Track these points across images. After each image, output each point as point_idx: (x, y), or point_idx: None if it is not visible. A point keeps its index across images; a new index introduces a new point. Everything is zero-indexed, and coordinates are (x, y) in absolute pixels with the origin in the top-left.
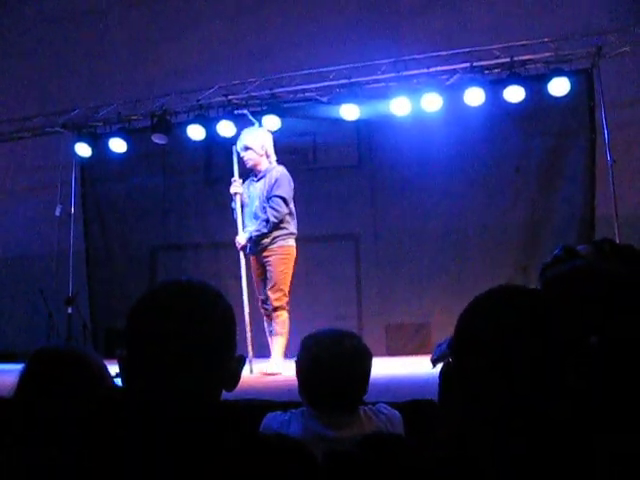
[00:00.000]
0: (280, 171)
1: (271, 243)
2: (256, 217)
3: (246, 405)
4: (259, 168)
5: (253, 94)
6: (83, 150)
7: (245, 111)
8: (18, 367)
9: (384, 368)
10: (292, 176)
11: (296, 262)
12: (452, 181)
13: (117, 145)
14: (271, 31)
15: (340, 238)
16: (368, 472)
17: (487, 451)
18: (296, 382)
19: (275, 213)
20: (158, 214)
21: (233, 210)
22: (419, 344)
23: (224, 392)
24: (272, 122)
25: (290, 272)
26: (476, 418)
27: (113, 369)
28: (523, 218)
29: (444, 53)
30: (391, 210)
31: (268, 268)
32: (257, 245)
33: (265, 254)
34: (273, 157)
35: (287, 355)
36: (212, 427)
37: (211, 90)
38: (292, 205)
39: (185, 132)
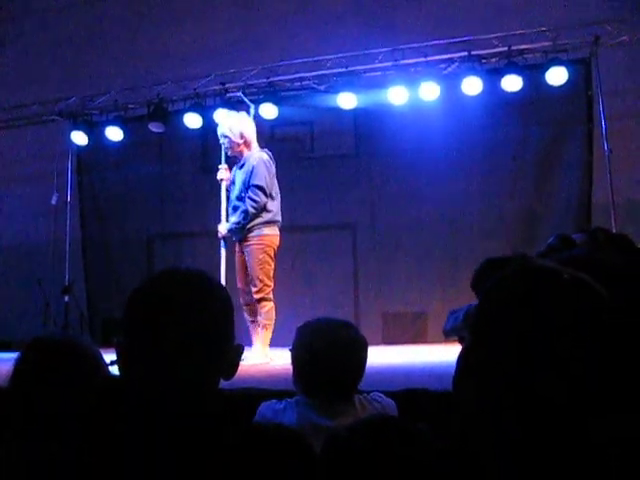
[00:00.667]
0: (257, 158)
1: (249, 231)
2: (235, 208)
3: (241, 394)
4: (240, 156)
5: (250, 82)
6: (79, 138)
7: (239, 93)
8: (14, 356)
9: (380, 357)
10: (289, 165)
11: (279, 249)
12: (449, 170)
13: (114, 133)
14: (268, 19)
15: (337, 227)
16: (367, 457)
17: (493, 444)
18: (289, 371)
19: (253, 204)
20: (155, 202)
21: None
22: (416, 333)
23: (221, 381)
24: (269, 111)
25: (270, 261)
26: (490, 407)
27: (109, 357)
28: (520, 207)
29: (442, 42)
30: (388, 199)
31: (246, 258)
32: (238, 235)
33: (245, 243)
34: (255, 144)
35: (279, 344)
36: (211, 419)
37: (208, 78)
38: (275, 190)
39: (182, 120)
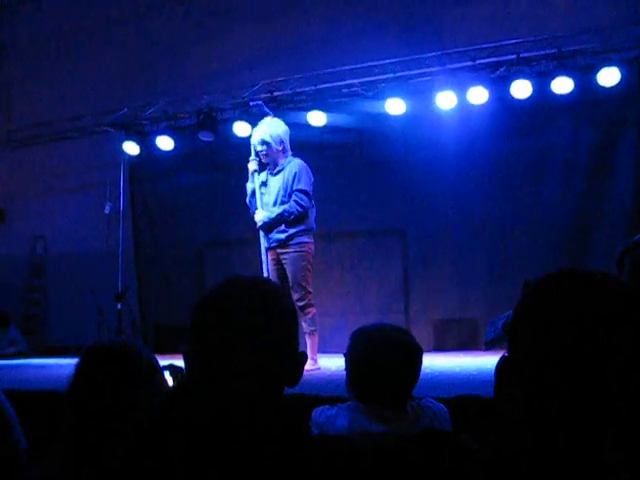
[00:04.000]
0: (299, 164)
1: (287, 240)
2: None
3: (293, 400)
4: (274, 162)
5: (298, 90)
6: (131, 148)
7: (260, 102)
8: (68, 361)
9: (431, 363)
10: (339, 172)
11: (314, 258)
12: (499, 174)
13: (164, 143)
14: (314, 26)
15: (387, 233)
16: (420, 470)
17: (535, 454)
18: (339, 376)
19: (299, 208)
20: (205, 211)
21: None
22: (466, 339)
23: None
24: (317, 118)
25: (310, 268)
26: (532, 419)
27: (165, 363)
28: (572, 211)
29: (489, 45)
30: (438, 204)
31: (286, 267)
32: (270, 230)
33: (281, 251)
34: (290, 151)
35: (329, 350)
36: (276, 428)
37: (256, 87)
38: (312, 200)
39: (231, 129)
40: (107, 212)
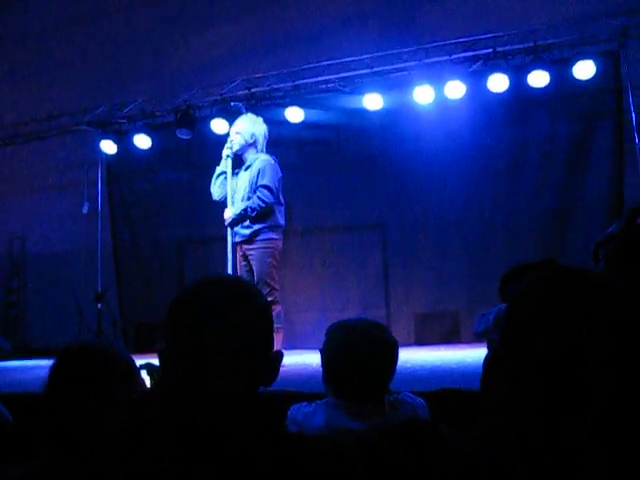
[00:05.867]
0: (265, 160)
1: (252, 236)
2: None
3: (270, 397)
4: (245, 156)
5: (275, 86)
6: (108, 147)
7: (240, 104)
8: (49, 363)
9: (412, 357)
10: (317, 167)
11: (281, 255)
12: (477, 168)
13: (142, 141)
14: (291, 23)
15: (366, 227)
16: (395, 463)
17: (520, 447)
18: (320, 373)
19: (260, 203)
20: (184, 208)
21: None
22: (448, 332)
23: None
24: (295, 114)
25: (276, 264)
26: (519, 412)
27: (142, 363)
28: (550, 204)
29: (466, 39)
30: (416, 198)
31: (252, 262)
32: (236, 225)
33: (247, 247)
34: (262, 148)
35: (309, 346)
36: (251, 427)
37: (234, 84)
38: (281, 196)
39: (209, 126)
40: (85, 212)
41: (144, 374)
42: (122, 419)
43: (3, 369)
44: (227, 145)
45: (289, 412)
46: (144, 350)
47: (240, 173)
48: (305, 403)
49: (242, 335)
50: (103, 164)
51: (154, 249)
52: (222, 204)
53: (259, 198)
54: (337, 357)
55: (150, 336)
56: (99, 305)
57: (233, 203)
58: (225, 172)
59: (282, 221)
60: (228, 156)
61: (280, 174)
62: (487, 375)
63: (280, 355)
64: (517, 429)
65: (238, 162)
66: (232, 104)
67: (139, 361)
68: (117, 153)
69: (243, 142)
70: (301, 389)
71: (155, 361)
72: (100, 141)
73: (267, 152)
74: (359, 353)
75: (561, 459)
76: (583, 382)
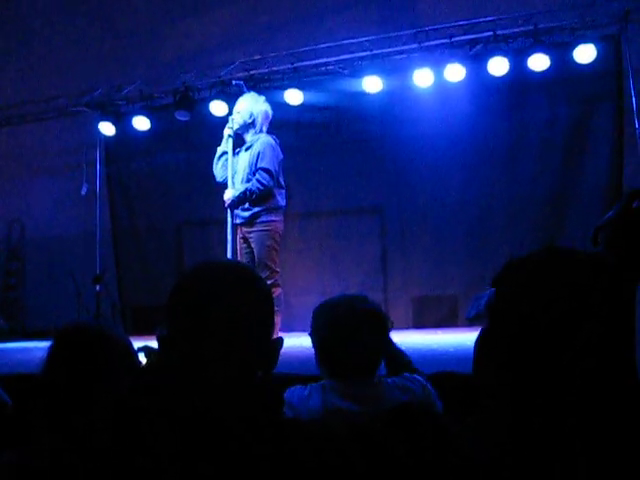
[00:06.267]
0: (265, 142)
1: (252, 218)
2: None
3: (275, 379)
4: (245, 136)
5: (274, 69)
6: (107, 129)
7: (241, 82)
8: (47, 344)
9: (410, 340)
10: (316, 150)
11: (282, 237)
12: (476, 152)
13: (140, 123)
14: (290, 5)
15: (364, 211)
16: (386, 447)
17: (511, 426)
18: (310, 355)
19: (259, 186)
20: (183, 190)
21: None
22: (446, 316)
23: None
24: (294, 96)
25: (277, 247)
26: (509, 391)
27: (140, 345)
28: (549, 188)
29: (466, 22)
30: (415, 182)
31: (252, 245)
32: (236, 207)
33: (247, 229)
34: (262, 128)
35: (299, 328)
36: (249, 412)
37: (232, 66)
38: (282, 178)
39: (207, 108)
40: (84, 193)
41: (142, 356)
42: (118, 402)
43: (2, 350)
44: (228, 125)
45: (285, 395)
46: (142, 332)
47: (240, 153)
48: (300, 386)
49: (241, 320)
50: (102, 146)
51: (153, 231)
52: (222, 186)
53: (258, 181)
54: (325, 335)
55: (149, 319)
56: (98, 287)
57: (234, 184)
58: (227, 152)
59: (282, 202)
60: (230, 136)
61: (281, 156)
62: (478, 355)
63: (280, 342)
64: (508, 416)
65: (239, 142)
66: (234, 82)
67: (137, 343)
68: (115, 135)
69: (242, 122)
70: (299, 371)
71: (153, 344)
72: (98, 123)
73: (268, 133)
74: (345, 327)
75: (550, 446)
76: (573, 356)
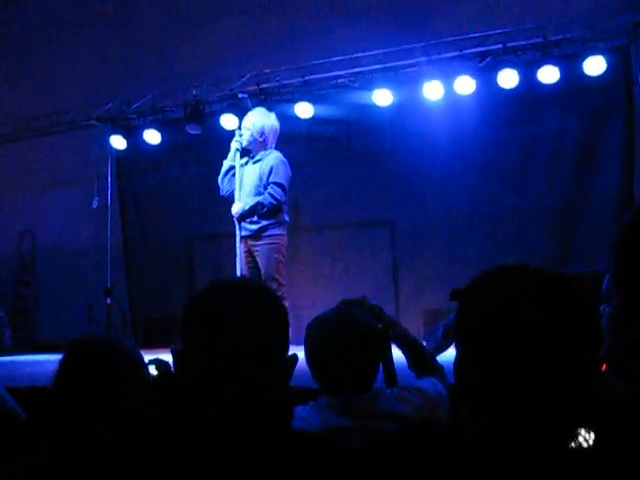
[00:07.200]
0: (277, 157)
1: (259, 231)
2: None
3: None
4: (254, 152)
5: (285, 82)
6: (118, 142)
7: (246, 96)
8: (59, 357)
9: None
10: (327, 163)
11: (288, 251)
12: (487, 164)
13: (151, 136)
14: (301, 18)
15: (376, 224)
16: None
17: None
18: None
19: (272, 200)
20: (194, 204)
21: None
22: None
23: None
24: (305, 110)
25: (283, 260)
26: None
27: (150, 358)
28: (559, 201)
29: (476, 35)
30: (426, 195)
31: (258, 259)
32: (244, 220)
33: (253, 242)
34: (272, 144)
35: (302, 341)
36: (264, 429)
37: (243, 79)
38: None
39: (218, 122)
40: (95, 206)
41: (152, 369)
42: (127, 415)
43: (14, 363)
44: (236, 138)
45: None
46: (153, 345)
47: (247, 166)
48: (300, 407)
49: (255, 336)
50: (113, 159)
51: (163, 244)
52: (229, 199)
53: (271, 195)
54: (316, 350)
55: (159, 331)
56: (108, 300)
57: (240, 197)
58: (234, 166)
59: (288, 218)
60: (237, 149)
61: (290, 173)
62: (458, 378)
63: (295, 358)
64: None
65: (245, 153)
66: (239, 96)
67: (148, 356)
68: (127, 148)
69: (252, 139)
70: (308, 385)
71: (164, 356)
72: (110, 136)
73: (277, 148)
74: (337, 342)
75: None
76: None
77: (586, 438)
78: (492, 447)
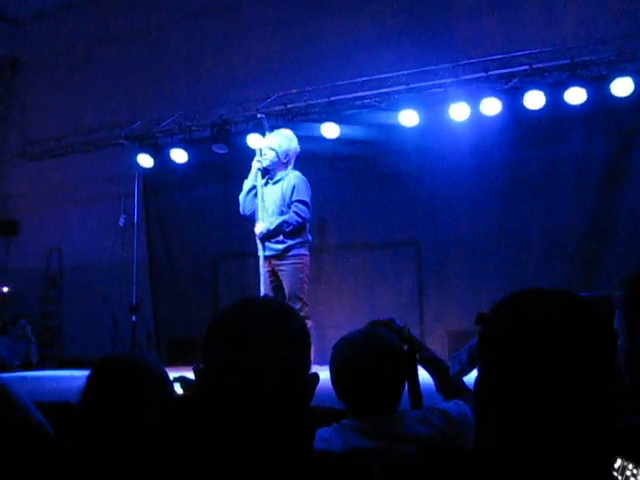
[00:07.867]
0: (299, 176)
1: (284, 251)
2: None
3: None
4: (273, 172)
5: (311, 102)
6: (145, 161)
7: (262, 115)
8: (84, 373)
9: None
10: (352, 183)
11: (311, 271)
12: (513, 185)
13: (178, 155)
14: (327, 38)
15: (401, 244)
16: None
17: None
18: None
19: (298, 219)
20: (220, 223)
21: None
22: None
23: None
24: (330, 130)
25: (307, 280)
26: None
27: (174, 376)
28: (586, 222)
29: (502, 56)
30: (451, 215)
31: (283, 278)
32: (269, 240)
33: (277, 262)
34: (292, 165)
35: (326, 361)
36: (288, 447)
37: (270, 99)
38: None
39: (244, 141)
40: (121, 224)
41: (178, 387)
42: (154, 432)
43: (39, 378)
44: (257, 158)
45: None
46: (177, 363)
47: (268, 187)
48: (323, 428)
49: (278, 355)
50: (140, 178)
51: (189, 263)
52: (252, 218)
53: (296, 213)
54: (341, 371)
55: (184, 349)
56: (133, 317)
57: (263, 218)
58: (256, 186)
59: (310, 237)
60: (259, 169)
61: (311, 192)
62: (479, 400)
63: (316, 378)
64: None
65: (264, 173)
66: (258, 116)
67: (172, 374)
68: (154, 167)
69: (275, 160)
70: (332, 404)
71: (189, 374)
72: (137, 155)
73: (300, 168)
74: (362, 363)
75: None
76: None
77: (634, 473)
78: (512, 473)
